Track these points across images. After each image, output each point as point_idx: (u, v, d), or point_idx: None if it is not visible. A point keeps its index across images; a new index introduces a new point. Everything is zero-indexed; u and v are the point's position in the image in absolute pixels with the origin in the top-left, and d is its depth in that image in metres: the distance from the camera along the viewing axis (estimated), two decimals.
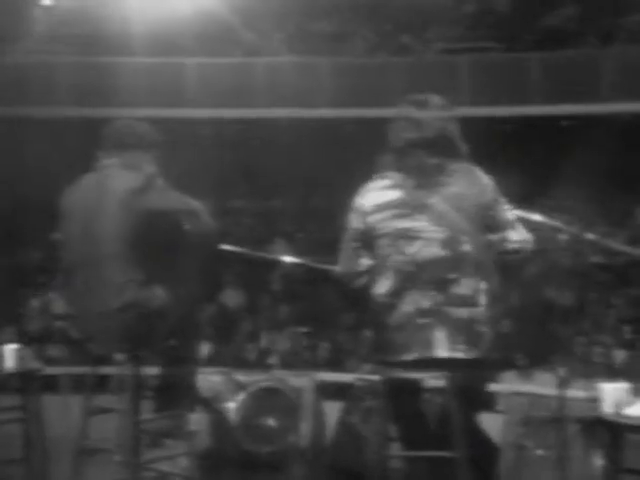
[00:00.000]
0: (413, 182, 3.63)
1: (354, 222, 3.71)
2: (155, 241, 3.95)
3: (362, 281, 3.70)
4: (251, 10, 16.27)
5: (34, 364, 5.01)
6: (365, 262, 3.69)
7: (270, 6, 16.74)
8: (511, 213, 3.71)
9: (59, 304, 12.84)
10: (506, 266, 3.68)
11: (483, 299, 3.57)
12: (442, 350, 3.52)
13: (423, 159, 3.63)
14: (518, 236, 3.68)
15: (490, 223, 3.64)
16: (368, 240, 3.67)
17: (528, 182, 13.41)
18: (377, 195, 3.67)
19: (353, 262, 3.71)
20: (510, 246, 3.66)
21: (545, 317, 11.88)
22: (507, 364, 3.58)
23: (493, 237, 3.64)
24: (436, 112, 3.68)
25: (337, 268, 3.79)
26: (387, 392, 3.57)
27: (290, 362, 12.08)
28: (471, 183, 3.62)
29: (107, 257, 3.93)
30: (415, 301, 3.55)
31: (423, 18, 16.98)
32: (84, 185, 4.10)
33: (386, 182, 3.67)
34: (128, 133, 4.15)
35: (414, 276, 3.56)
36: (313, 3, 17.15)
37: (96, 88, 15.35)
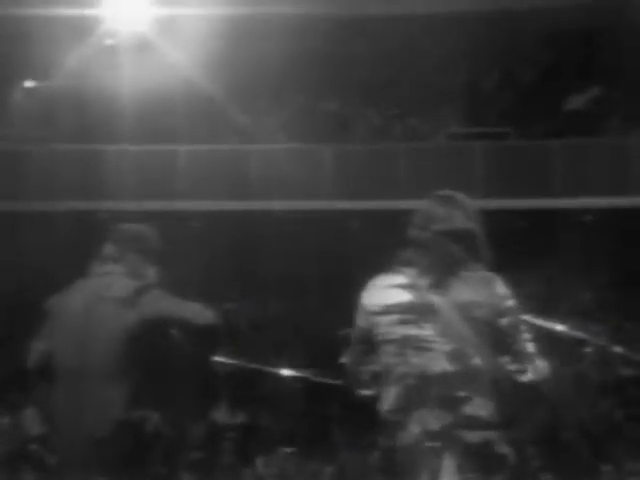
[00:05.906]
0: (426, 281, 3.69)
1: (361, 321, 3.79)
2: (148, 354, 4.01)
3: (369, 390, 3.75)
4: (245, 91, 16.50)
5: None
6: (372, 369, 3.76)
7: (266, 86, 16.97)
8: (531, 345, 3.70)
9: (34, 424, 12.65)
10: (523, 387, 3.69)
11: (500, 421, 3.59)
12: None
13: (450, 249, 3.70)
14: (535, 372, 3.65)
15: (505, 350, 3.65)
16: (373, 343, 3.74)
17: (549, 285, 13.34)
18: (385, 294, 3.73)
19: (360, 366, 3.78)
20: (525, 380, 3.64)
21: (573, 440, 11.67)
22: None
23: (509, 366, 3.65)
24: (466, 210, 3.78)
25: (346, 366, 3.85)
26: None
27: None
28: (488, 294, 3.66)
29: (96, 372, 4.00)
30: (423, 421, 3.58)
31: (433, 98, 17.18)
32: (80, 292, 4.17)
33: (397, 280, 3.74)
34: (133, 238, 4.28)
35: (422, 392, 3.60)
36: (312, 83, 17.38)
37: (79, 179, 15.45)
